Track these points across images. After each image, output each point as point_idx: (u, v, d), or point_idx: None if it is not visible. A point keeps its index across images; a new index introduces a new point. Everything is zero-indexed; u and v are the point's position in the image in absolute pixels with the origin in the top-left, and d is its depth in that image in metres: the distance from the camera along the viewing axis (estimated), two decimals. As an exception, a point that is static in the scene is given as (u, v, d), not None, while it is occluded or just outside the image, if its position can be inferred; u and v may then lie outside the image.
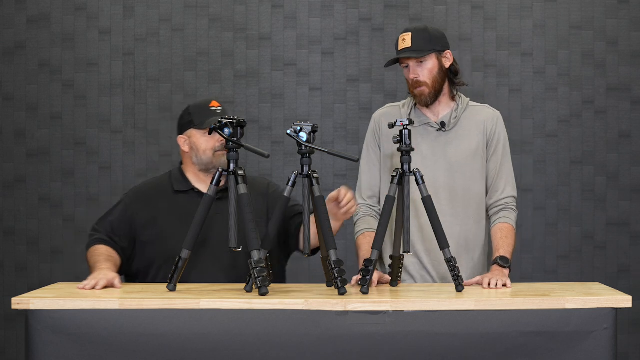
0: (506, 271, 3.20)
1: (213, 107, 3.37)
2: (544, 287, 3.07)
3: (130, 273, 3.39)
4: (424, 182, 3.03)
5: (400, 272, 3.16)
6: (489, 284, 3.08)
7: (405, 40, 3.32)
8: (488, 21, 5.04)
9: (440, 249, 3.02)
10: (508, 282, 3.10)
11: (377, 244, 2.97)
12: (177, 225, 3.28)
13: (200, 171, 3.38)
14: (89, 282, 3.05)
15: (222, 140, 3.31)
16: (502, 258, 3.23)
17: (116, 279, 3.09)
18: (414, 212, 3.26)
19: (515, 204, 3.41)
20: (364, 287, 2.90)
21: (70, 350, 2.75)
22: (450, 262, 2.99)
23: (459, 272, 2.99)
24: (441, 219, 3.04)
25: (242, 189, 2.93)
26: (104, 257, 3.25)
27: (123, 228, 3.35)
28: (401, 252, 3.08)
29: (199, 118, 3.36)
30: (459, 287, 2.97)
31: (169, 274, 3.01)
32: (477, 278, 3.17)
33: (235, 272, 3.27)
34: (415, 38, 3.31)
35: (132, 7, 5.04)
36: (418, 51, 3.30)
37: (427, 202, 3.03)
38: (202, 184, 3.36)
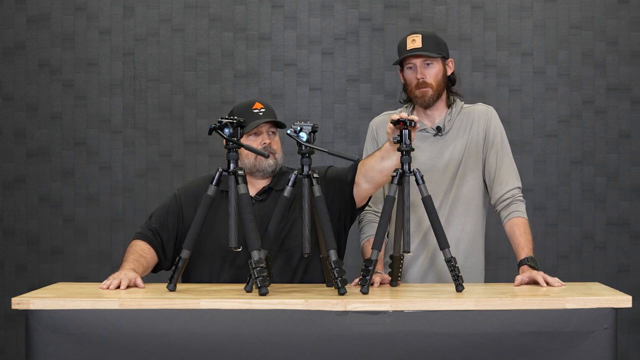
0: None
1: (256, 109, 3.32)
2: (544, 287, 3.07)
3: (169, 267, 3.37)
4: (424, 182, 3.03)
5: (401, 272, 3.16)
6: (547, 283, 3.09)
7: (416, 41, 3.35)
8: (488, 21, 5.04)
9: (440, 249, 3.02)
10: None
11: (377, 244, 2.97)
12: (217, 225, 3.27)
13: (247, 174, 3.30)
14: (111, 281, 3.04)
15: (264, 144, 3.30)
16: (532, 259, 3.24)
17: (138, 279, 3.09)
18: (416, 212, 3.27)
19: (521, 195, 3.42)
20: (364, 287, 2.90)
21: (70, 350, 2.74)
22: (450, 262, 2.99)
23: (459, 272, 2.99)
24: (441, 222, 3.05)
25: (242, 189, 2.93)
26: (134, 257, 3.24)
27: (171, 221, 3.34)
28: (401, 252, 3.08)
29: None
30: (459, 287, 2.97)
31: (208, 272, 3.07)
32: (525, 277, 3.15)
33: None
34: (426, 41, 3.36)
35: (132, 7, 5.05)
36: (430, 52, 3.33)
37: (427, 202, 3.04)
38: (248, 185, 3.29)
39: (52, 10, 5.05)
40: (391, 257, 3.14)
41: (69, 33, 5.05)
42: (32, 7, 5.04)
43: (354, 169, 3.26)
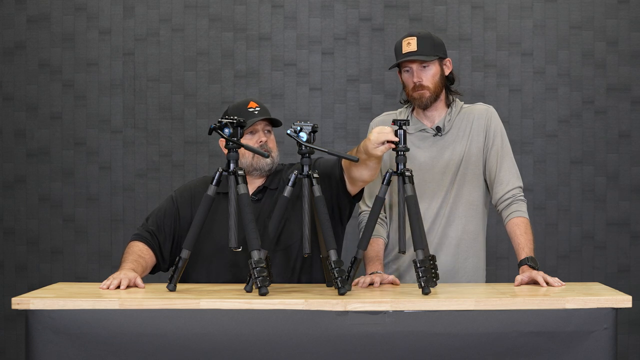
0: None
1: (251, 108, 3.32)
2: (544, 287, 3.07)
3: (166, 269, 3.36)
4: (412, 182, 2.98)
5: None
6: (547, 283, 3.08)
7: (411, 44, 3.34)
8: (488, 21, 5.04)
9: (414, 249, 2.94)
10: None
11: (362, 244, 2.96)
12: (216, 225, 3.26)
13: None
14: (111, 281, 3.04)
15: (261, 142, 3.29)
16: (532, 259, 3.22)
17: (138, 279, 3.08)
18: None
19: (522, 194, 3.41)
20: (343, 287, 2.85)
21: (70, 350, 2.75)
22: (416, 265, 2.90)
23: (427, 275, 2.91)
24: (441, 222, 3.02)
25: (242, 189, 2.93)
26: (134, 257, 3.24)
27: (168, 223, 3.33)
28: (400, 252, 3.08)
29: None
30: (425, 290, 2.90)
31: (208, 272, 3.08)
32: (525, 277, 3.14)
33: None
34: (421, 43, 3.34)
35: (132, 7, 5.05)
36: (425, 55, 3.32)
37: (410, 201, 2.96)
38: None
39: (52, 10, 5.05)
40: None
41: (69, 33, 5.05)
42: (32, 7, 5.04)
43: (339, 165, 3.24)
